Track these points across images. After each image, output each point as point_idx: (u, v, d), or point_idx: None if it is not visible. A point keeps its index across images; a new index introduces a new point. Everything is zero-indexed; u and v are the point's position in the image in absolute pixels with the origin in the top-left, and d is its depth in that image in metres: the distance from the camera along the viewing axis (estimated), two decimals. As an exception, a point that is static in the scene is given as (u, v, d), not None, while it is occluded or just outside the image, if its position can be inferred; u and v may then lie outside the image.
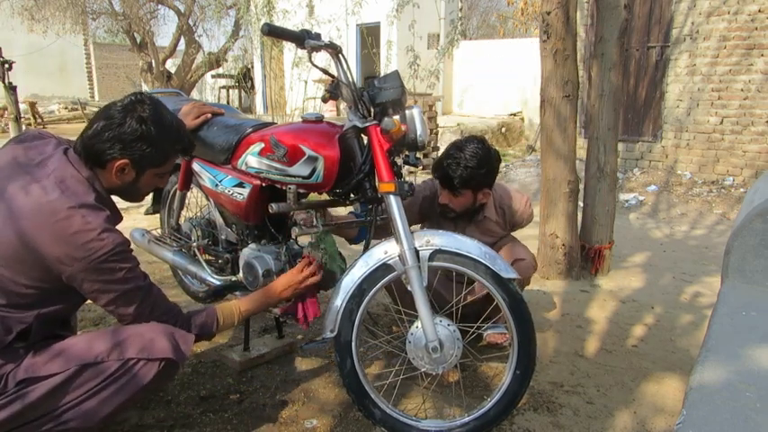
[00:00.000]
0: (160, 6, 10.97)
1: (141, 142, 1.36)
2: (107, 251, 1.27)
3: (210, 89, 14.20)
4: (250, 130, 1.92)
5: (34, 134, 1.45)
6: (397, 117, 1.65)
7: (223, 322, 1.59)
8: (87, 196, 1.31)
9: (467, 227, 2.31)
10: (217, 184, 2.02)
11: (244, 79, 11.51)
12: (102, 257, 1.27)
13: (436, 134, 7.92)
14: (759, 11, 5.88)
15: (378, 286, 1.68)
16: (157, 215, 2.69)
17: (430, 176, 2.32)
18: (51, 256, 1.26)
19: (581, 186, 3.36)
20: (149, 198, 2.64)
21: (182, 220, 2.49)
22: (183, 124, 1.53)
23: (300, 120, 1.86)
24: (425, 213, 2.34)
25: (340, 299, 1.67)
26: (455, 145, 2.16)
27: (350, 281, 1.68)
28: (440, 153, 2.27)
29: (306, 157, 1.72)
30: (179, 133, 1.46)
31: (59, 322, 1.50)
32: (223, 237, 2.22)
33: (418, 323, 1.64)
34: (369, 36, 8.51)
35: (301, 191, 1.84)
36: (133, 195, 1.49)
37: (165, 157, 1.44)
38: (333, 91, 1.73)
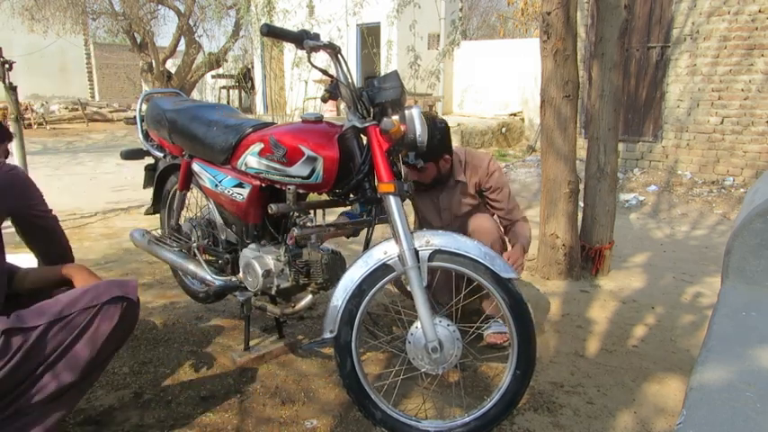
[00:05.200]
0: (160, 6, 10.97)
1: None
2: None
3: (210, 89, 14.21)
4: (250, 130, 1.93)
5: None
6: (396, 117, 1.65)
7: None
8: None
9: (440, 194, 2.35)
10: (217, 185, 2.02)
11: (244, 79, 11.52)
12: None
13: (436, 134, 7.89)
14: (759, 11, 5.88)
15: (377, 287, 1.68)
16: (157, 215, 2.69)
17: None
18: None
19: (581, 186, 3.36)
20: (149, 198, 2.64)
21: (182, 221, 2.49)
22: None
23: (300, 120, 1.86)
24: None
25: (340, 299, 1.67)
26: None
27: (349, 281, 1.68)
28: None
29: (305, 157, 1.72)
30: None
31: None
32: (223, 237, 2.22)
33: (418, 323, 1.64)
34: (369, 36, 8.51)
35: (301, 191, 1.84)
36: None
37: None
38: (332, 91, 1.73)
